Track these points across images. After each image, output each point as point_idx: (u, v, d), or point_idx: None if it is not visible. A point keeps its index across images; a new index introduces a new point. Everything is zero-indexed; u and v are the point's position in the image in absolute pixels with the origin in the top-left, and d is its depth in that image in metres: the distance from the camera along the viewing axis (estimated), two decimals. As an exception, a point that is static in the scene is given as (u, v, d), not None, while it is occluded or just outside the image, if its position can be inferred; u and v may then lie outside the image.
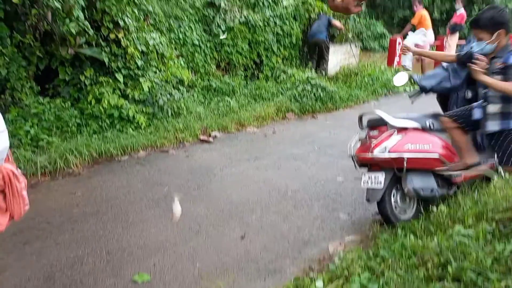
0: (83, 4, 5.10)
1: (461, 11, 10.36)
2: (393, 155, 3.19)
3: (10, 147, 4.79)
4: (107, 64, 5.63)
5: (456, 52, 3.70)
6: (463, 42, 9.29)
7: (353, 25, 10.41)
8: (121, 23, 5.72)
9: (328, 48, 9.42)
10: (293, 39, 9.22)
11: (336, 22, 9.28)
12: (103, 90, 5.55)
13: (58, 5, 4.66)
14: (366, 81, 9.17)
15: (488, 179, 3.57)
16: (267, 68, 8.86)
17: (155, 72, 6.28)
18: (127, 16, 5.84)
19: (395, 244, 2.74)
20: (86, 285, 2.80)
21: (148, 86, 5.86)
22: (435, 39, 10.75)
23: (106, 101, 5.50)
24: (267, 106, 7.35)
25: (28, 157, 4.64)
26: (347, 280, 2.44)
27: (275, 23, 8.94)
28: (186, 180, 4.58)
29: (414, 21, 9.88)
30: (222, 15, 8.33)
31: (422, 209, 3.43)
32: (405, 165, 3.20)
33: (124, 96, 5.82)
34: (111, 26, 5.66)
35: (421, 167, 3.30)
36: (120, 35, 5.69)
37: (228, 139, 6.16)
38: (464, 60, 3.18)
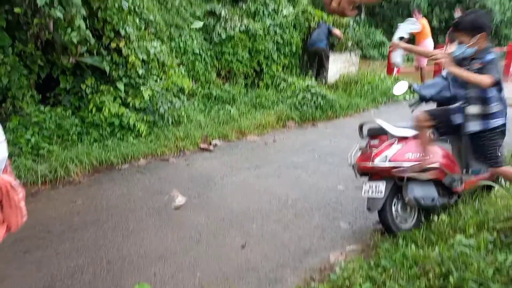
0: (84, 13, 5.13)
1: (460, 20, 10.41)
2: (394, 164, 3.20)
3: (11, 156, 4.78)
4: (108, 72, 5.66)
5: None
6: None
7: (352, 33, 10.45)
8: (122, 32, 5.76)
9: (328, 56, 9.46)
10: (293, 47, 9.27)
11: (336, 31, 9.33)
12: (104, 98, 5.57)
13: (60, 14, 4.69)
14: (366, 89, 9.19)
15: (488, 188, 3.58)
16: (268, 77, 8.90)
17: (156, 81, 6.31)
18: (128, 25, 5.87)
19: (396, 254, 2.74)
20: (86, 295, 2.80)
21: (148, 95, 5.88)
22: (435, 47, 10.80)
23: (107, 110, 5.51)
24: (268, 114, 7.37)
25: (29, 165, 4.63)
26: (349, 290, 2.44)
27: (275, 31, 9.00)
28: (187, 189, 4.58)
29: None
30: (223, 23, 8.39)
31: (423, 218, 3.43)
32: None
33: (125, 104, 5.84)
34: (112, 35, 5.70)
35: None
36: (121, 44, 5.73)
37: (229, 147, 6.17)
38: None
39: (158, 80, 6.38)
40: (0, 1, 4.93)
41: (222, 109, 7.37)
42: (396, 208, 3.42)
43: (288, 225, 3.80)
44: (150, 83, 6.09)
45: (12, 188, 1.96)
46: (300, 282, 2.94)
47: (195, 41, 8.01)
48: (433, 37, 10.33)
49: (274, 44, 9.00)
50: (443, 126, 3.27)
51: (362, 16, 16.21)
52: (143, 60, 6.08)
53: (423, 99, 3.61)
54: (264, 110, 7.61)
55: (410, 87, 3.59)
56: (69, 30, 5.02)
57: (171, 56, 7.13)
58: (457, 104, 3.24)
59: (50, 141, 5.18)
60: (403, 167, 3.17)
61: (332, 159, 5.57)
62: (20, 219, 2.05)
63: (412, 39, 9.85)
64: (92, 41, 5.31)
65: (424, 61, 10.11)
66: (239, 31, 8.44)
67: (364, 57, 13.01)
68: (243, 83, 8.60)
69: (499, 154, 3.17)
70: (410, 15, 11.43)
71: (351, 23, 10.52)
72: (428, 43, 9.86)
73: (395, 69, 10.76)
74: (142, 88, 5.90)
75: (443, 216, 3.18)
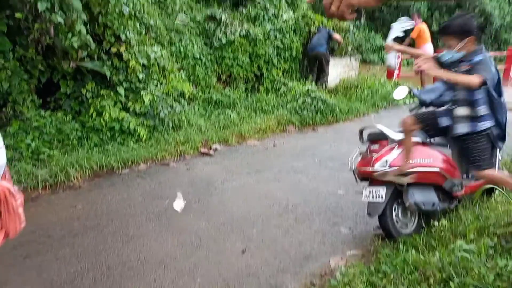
0: (85, 18, 5.14)
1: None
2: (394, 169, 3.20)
3: (11, 160, 4.78)
4: (108, 77, 5.67)
5: None
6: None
7: (352, 38, 10.48)
8: (123, 37, 5.77)
9: (328, 61, 9.48)
10: (293, 52, 9.30)
11: (336, 35, 9.35)
12: (104, 103, 5.58)
13: (60, 19, 4.71)
14: (366, 94, 9.21)
15: (489, 193, 3.58)
16: (268, 81, 8.92)
17: (156, 85, 6.32)
18: (129, 30, 5.89)
19: (397, 259, 2.74)
20: (86, 301, 2.79)
21: (149, 99, 5.89)
22: (434, 51, 10.82)
23: (107, 114, 5.52)
24: (268, 118, 7.38)
25: (29, 170, 4.63)
26: (349, 296, 2.43)
27: (275, 36, 9.02)
28: (187, 193, 4.57)
29: (413, 34, 9.95)
30: (223, 28, 8.41)
31: (423, 223, 3.43)
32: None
33: (125, 109, 5.85)
34: (113, 40, 5.71)
35: (422, 181, 3.31)
36: (122, 49, 5.74)
37: (229, 152, 6.17)
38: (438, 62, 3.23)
39: (159, 84, 6.39)
40: (1, 6, 4.96)
41: (222, 113, 7.38)
42: (396, 213, 3.42)
43: (288, 230, 3.79)
44: (151, 88, 6.10)
45: (10, 194, 1.96)
46: (300, 287, 2.93)
47: (195, 46, 8.03)
48: (433, 42, 10.34)
49: (274, 49, 9.03)
50: (430, 129, 3.27)
51: (362, 20, 16.26)
52: (143, 65, 6.09)
53: (423, 104, 3.61)
54: (264, 115, 7.62)
55: (410, 91, 3.60)
56: (69, 35, 5.04)
57: (171, 61, 7.14)
58: (445, 107, 3.25)
59: (51, 145, 5.19)
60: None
61: (332, 164, 5.57)
62: (18, 225, 2.05)
63: (412, 44, 9.88)
64: (93, 46, 5.32)
65: None
66: (240, 35, 8.46)
67: (364, 61, 13.03)
68: (243, 88, 8.61)
69: (484, 158, 3.16)
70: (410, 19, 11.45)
71: (351, 27, 10.54)
72: (428, 48, 9.88)
73: (395, 74, 10.78)
74: (142, 92, 5.91)
75: (444, 221, 3.17)
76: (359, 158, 3.57)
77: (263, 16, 9.07)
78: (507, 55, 12.88)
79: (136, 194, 4.56)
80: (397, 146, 3.31)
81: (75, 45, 5.04)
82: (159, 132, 6.18)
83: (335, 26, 9.84)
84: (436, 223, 3.22)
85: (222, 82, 8.51)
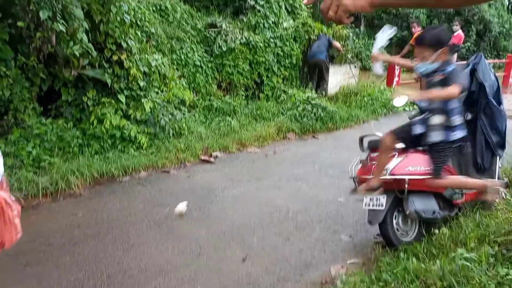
0: (86, 27, 5.18)
1: (458, 32, 10.51)
2: (395, 178, 3.20)
3: (12, 168, 4.77)
4: (109, 85, 5.69)
5: None
6: (463, 62, 9.37)
7: (352, 45, 10.53)
8: (124, 45, 5.80)
9: (328, 68, 9.52)
10: (293, 59, 9.35)
11: (336, 43, 9.40)
12: (105, 110, 5.60)
13: (62, 28, 4.74)
14: (365, 101, 9.24)
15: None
16: (268, 88, 8.96)
17: (157, 93, 6.34)
18: (130, 38, 5.92)
19: (398, 268, 2.73)
20: (87, 309, 2.78)
21: (150, 107, 5.91)
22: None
23: (108, 122, 5.53)
24: (268, 126, 7.40)
25: (30, 178, 4.63)
26: (350, 304, 2.43)
27: (276, 44, 9.08)
28: (187, 201, 4.57)
29: (413, 42, 9.99)
30: (224, 36, 8.46)
31: (424, 231, 3.42)
32: (406, 187, 3.21)
33: (126, 116, 5.87)
34: (114, 48, 5.74)
35: (422, 189, 3.31)
36: (123, 57, 5.77)
37: (229, 159, 6.18)
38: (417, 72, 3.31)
39: (159, 92, 6.42)
40: (3, 15, 4.99)
41: (222, 121, 7.40)
42: (397, 221, 3.43)
43: (289, 237, 3.79)
44: (151, 95, 6.13)
45: (7, 204, 1.96)
46: (301, 296, 2.93)
47: (196, 54, 8.08)
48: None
49: (275, 56, 9.08)
50: (406, 139, 3.29)
51: (362, 28, 16.32)
52: (144, 73, 6.12)
53: (423, 111, 3.62)
54: (264, 122, 7.65)
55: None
56: (71, 43, 5.07)
57: (172, 69, 7.18)
58: (421, 116, 3.28)
59: (51, 153, 5.19)
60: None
61: (332, 171, 5.57)
62: (14, 236, 2.04)
63: (411, 51, 9.91)
64: (94, 54, 5.36)
65: None
66: (240, 43, 8.51)
67: (364, 68, 13.07)
68: (244, 95, 8.65)
69: (441, 168, 3.17)
70: (409, 27, 11.52)
71: (351, 35, 10.60)
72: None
73: (395, 81, 10.81)
74: (143, 100, 5.93)
75: (444, 229, 3.17)
76: (359, 166, 3.58)
77: (264, 24, 9.14)
78: (506, 62, 12.93)
79: (137, 202, 4.56)
80: (397, 154, 3.32)
81: (77, 53, 5.07)
82: (160, 139, 6.19)
83: (335, 33, 9.90)
84: (436, 231, 3.22)
85: (222, 89, 8.54)
